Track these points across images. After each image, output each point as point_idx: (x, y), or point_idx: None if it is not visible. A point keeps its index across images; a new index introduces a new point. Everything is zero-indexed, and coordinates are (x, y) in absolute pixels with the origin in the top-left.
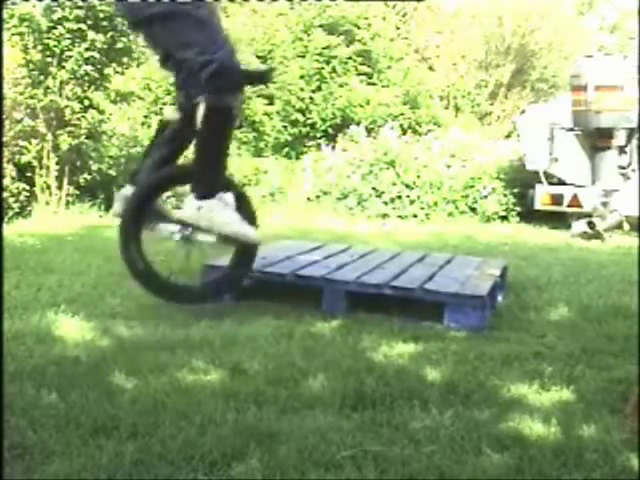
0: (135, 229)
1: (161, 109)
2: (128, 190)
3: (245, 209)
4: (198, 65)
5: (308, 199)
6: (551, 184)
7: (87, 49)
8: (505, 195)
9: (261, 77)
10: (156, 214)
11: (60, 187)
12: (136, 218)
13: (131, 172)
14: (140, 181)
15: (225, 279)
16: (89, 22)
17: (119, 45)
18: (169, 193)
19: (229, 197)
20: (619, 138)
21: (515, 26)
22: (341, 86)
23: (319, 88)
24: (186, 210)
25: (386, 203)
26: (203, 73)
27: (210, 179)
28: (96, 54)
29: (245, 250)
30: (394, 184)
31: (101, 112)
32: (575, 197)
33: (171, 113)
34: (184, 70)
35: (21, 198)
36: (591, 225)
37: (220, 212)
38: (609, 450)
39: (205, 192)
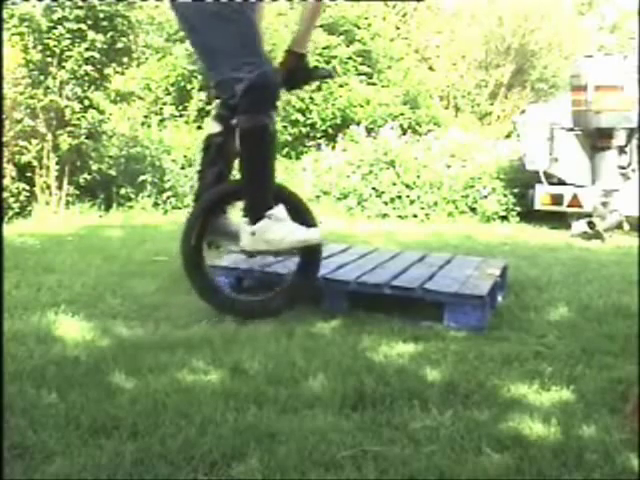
0: (198, 249)
1: (161, 109)
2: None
3: (298, 210)
4: (235, 79)
5: (308, 199)
6: (551, 184)
7: (87, 49)
8: (505, 195)
9: (328, 74)
10: (218, 232)
11: (60, 187)
12: (198, 239)
13: (194, 195)
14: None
15: (291, 291)
16: (89, 22)
17: (119, 45)
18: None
19: (279, 210)
20: (619, 138)
21: (515, 26)
22: (341, 86)
23: (319, 88)
24: (242, 240)
25: (386, 203)
26: (237, 89)
27: (258, 202)
28: (96, 54)
29: (307, 257)
30: (394, 184)
31: (101, 112)
32: (575, 197)
33: (213, 126)
34: (223, 83)
35: (21, 198)
36: (591, 225)
37: (274, 230)
38: (609, 450)
39: (256, 216)
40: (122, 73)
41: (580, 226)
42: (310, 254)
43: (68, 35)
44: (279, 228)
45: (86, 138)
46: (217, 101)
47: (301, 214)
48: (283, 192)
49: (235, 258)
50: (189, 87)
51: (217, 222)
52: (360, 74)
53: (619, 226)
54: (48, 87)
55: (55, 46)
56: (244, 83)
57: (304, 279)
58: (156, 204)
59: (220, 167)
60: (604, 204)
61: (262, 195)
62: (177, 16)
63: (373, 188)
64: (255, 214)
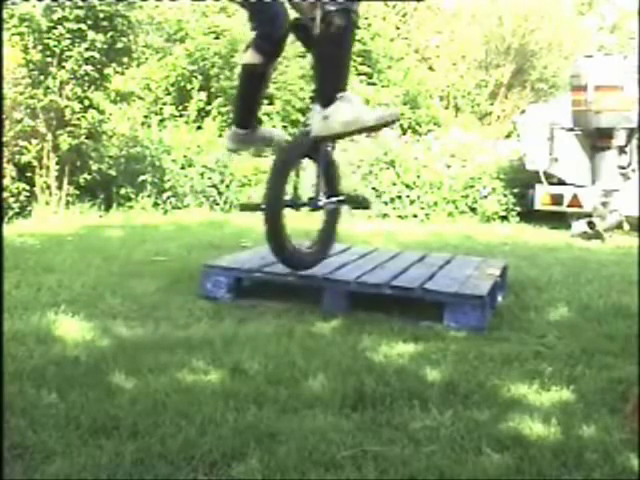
0: (279, 202)
1: (161, 109)
2: (239, 130)
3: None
4: None
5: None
6: (551, 184)
7: (87, 49)
8: (505, 195)
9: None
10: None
11: (60, 187)
12: (279, 193)
13: (234, 117)
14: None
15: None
16: (89, 22)
17: (119, 45)
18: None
19: (349, 93)
20: (619, 138)
21: (515, 26)
22: None
23: None
24: (314, 127)
25: (386, 203)
26: None
27: (335, 85)
28: (96, 54)
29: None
30: (394, 184)
31: (101, 112)
32: (575, 197)
33: (253, 56)
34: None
35: (21, 198)
36: (591, 225)
37: (346, 112)
38: (609, 450)
39: (330, 98)
40: (122, 73)
41: (580, 226)
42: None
43: (68, 35)
44: (351, 109)
45: (86, 138)
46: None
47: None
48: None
49: (235, 258)
50: (189, 87)
51: (253, 134)
52: (360, 74)
53: (619, 226)
54: (48, 87)
55: (55, 46)
56: None
57: (328, 230)
58: (156, 204)
59: (261, 92)
60: (604, 204)
61: (339, 79)
62: None
63: (373, 188)
64: (328, 96)
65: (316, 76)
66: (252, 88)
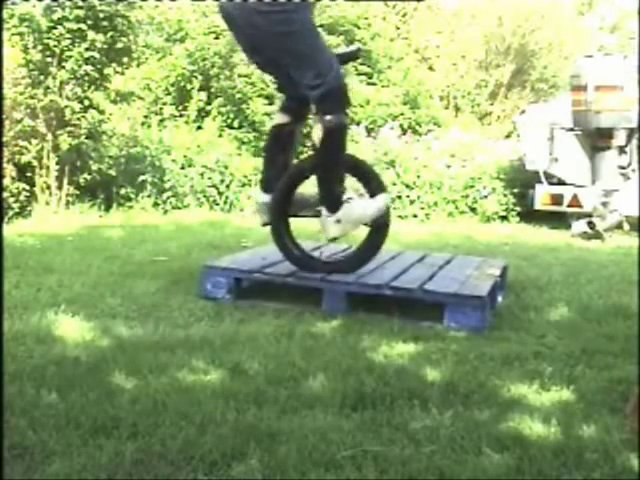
0: (284, 225)
1: (161, 109)
2: (264, 197)
3: (368, 176)
4: (310, 86)
5: None
6: (551, 184)
7: (87, 49)
8: (505, 195)
9: (353, 56)
10: (298, 207)
11: (60, 187)
12: (282, 216)
13: (261, 180)
14: (275, 186)
15: (361, 254)
16: (89, 22)
17: (119, 45)
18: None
19: (351, 196)
20: (619, 138)
21: (515, 26)
22: None
23: None
24: (329, 231)
25: None
26: (314, 94)
27: (336, 191)
28: (96, 54)
29: (377, 224)
30: (394, 184)
31: (101, 112)
32: (575, 197)
33: (281, 117)
34: (294, 84)
35: (21, 198)
36: (591, 225)
37: (355, 210)
38: (609, 450)
39: (337, 204)
40: (122, 73)
41: (580, 226)
42: (379, 221)
43: (68, 35)
44: (357, 207)
45: (86, 138)
46: (281, 95)
47: (370, 180)
48: (351, 160)
49: (235, 259)
50: (189, 87)
51: (294, 199)
52: (360, 74)
53: (619, 226)
54: (48, 87)
55: (55, 46)
56: (322, 88)
57: (373, 244)
58: (156, 204)
59: (289, 153)
60: (604, 204)
61: (339, 183)
62: (236, 34)
63: None
64: (335, 203)
65: (319, 181)
66: (280, 149)
